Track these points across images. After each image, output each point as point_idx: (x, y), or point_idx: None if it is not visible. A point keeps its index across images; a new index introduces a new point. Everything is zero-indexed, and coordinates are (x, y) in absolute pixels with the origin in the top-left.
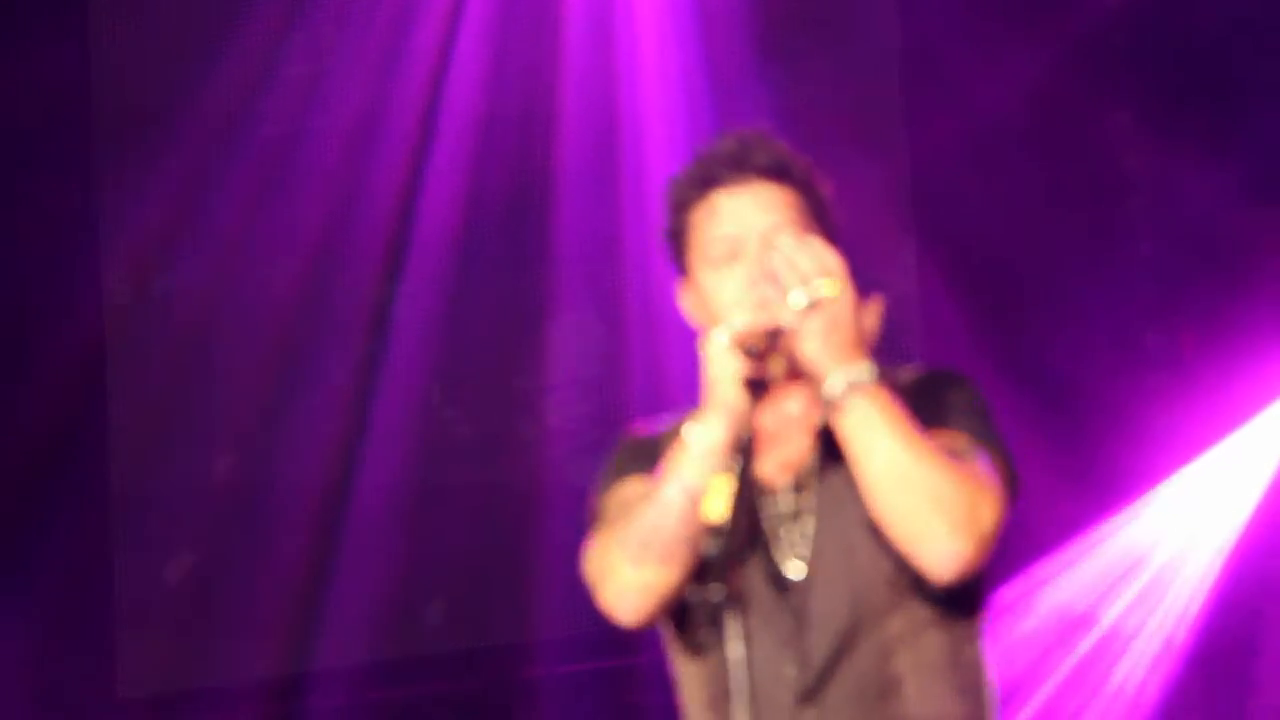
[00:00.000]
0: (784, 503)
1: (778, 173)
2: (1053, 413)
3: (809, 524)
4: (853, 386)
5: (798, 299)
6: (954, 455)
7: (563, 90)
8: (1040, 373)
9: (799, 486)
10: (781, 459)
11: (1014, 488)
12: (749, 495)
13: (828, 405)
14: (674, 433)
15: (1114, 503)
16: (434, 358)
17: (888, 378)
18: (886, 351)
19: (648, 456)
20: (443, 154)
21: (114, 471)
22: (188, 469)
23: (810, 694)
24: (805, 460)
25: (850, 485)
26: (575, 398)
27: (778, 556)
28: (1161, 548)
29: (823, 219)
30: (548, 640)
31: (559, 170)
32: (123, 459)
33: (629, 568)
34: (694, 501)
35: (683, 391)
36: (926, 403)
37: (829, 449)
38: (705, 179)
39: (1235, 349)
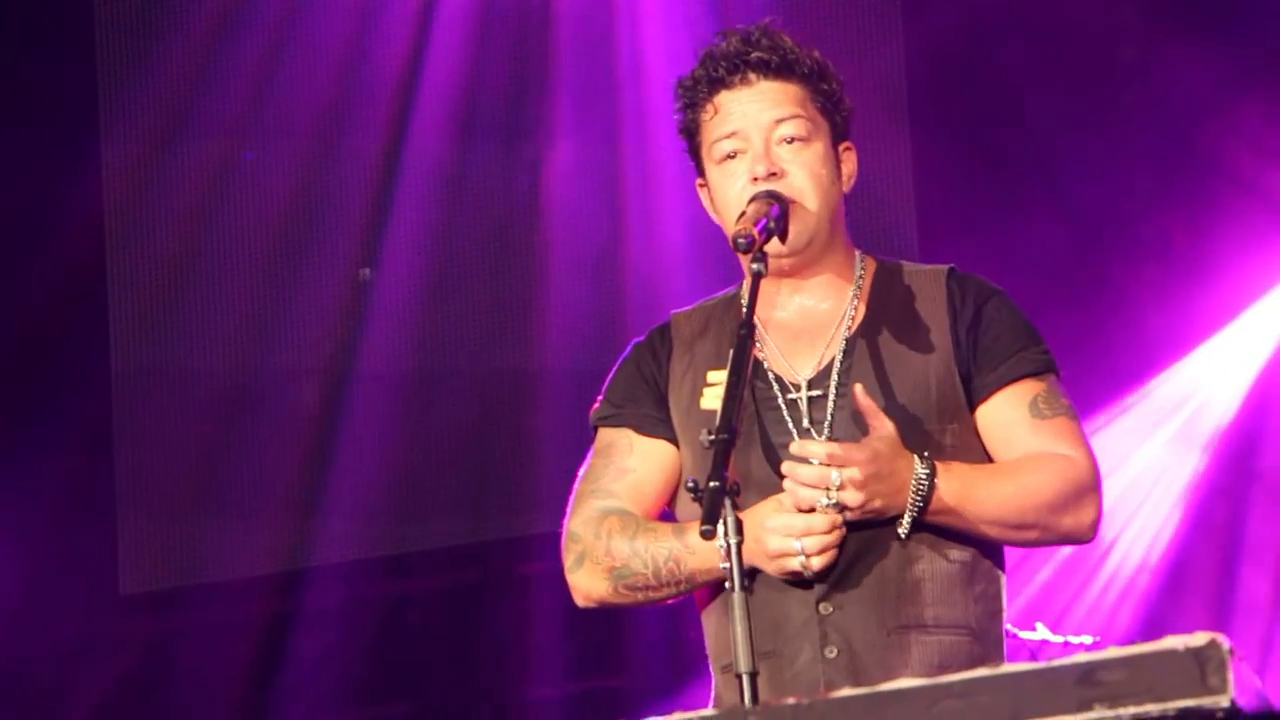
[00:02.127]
0: (805, 396)
1: (781, 68)
2: (1049, 302)
3: (827, 417)
4: (921, 514)
5: (826, 503)
6: (1037, 415)
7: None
8: (1035, 262)
9: (821, 381)
10: (806, 353)
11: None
12: (749, 389)
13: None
14: (694, 319)
15: (1111, 393)
16: (432, 248)
17: (911, 276)
18: (883, 244)
19: (653, 358)
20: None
21: (114, 368)
22: (187, 363)
23: (828, 590)
24: (830, 358)
25: (872, 383)
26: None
27: (793, 445)
28: (1157, 435)
29: (831, 111)
30: (546, 534)
31: (557, 70)
32: (122, 356)
33: (607, 591)
34: (689, 584)
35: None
36: (985, 334)
37: (853, 349)
38: (711, 78)
39: (1226, 240)
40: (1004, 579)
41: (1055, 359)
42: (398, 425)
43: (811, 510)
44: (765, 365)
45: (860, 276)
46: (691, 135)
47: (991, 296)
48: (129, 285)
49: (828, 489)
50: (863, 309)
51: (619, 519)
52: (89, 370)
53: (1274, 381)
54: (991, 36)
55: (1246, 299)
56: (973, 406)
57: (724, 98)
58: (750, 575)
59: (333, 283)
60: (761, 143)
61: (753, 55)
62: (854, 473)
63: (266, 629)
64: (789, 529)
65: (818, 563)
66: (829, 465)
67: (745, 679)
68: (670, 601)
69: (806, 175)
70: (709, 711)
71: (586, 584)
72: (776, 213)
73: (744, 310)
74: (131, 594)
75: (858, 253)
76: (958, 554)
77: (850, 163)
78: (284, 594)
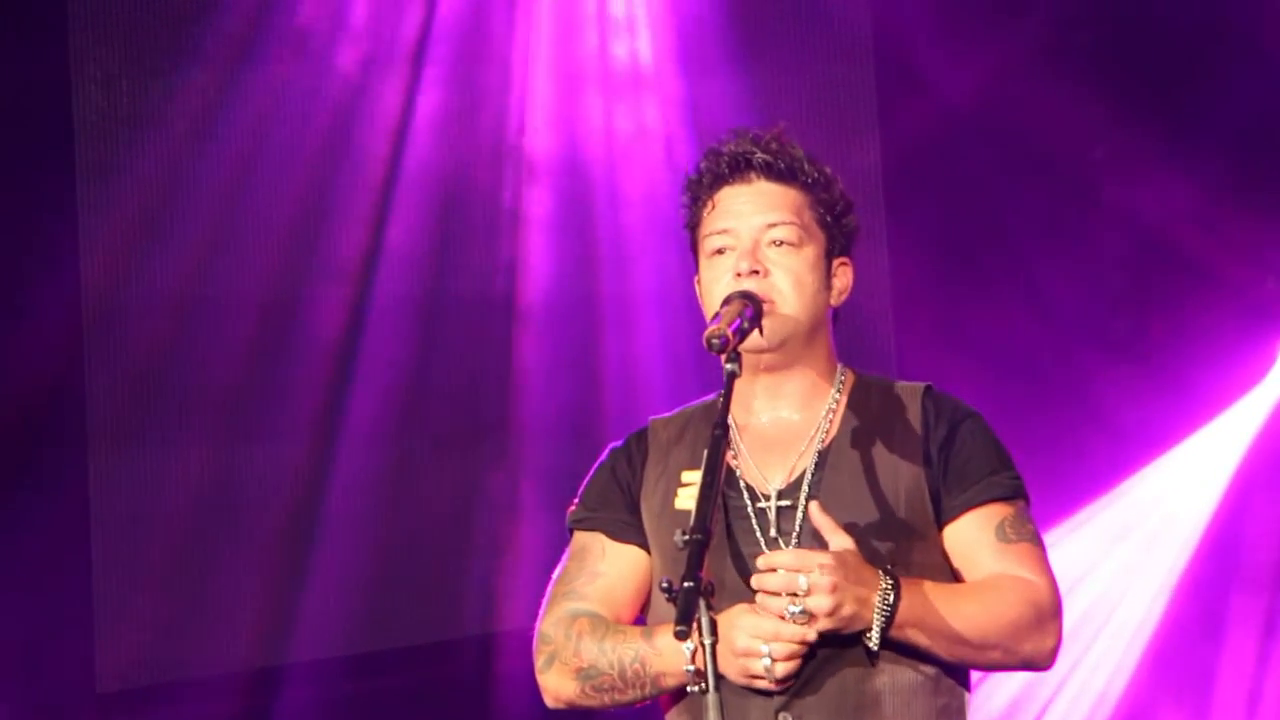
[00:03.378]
0: (774, 506)
1: (784, 174)
2: (1021, 401)
3: (795, 528)
4: (887, 628)
5: (793, 611)
6: (1003, 539)
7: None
8: (1010, 363)
9: (791, 492)
10: (778, 463)
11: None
12: (722, 491)
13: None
14: (671, 425)
15: (1080, 493)
16: (410, 344)
17: (888, 393)
18: (861, 348)
19: (628, 463)
20: None
21: (91, 464)
22: (163, 461)
23: (789, 700)
24: (801, 468)
25: (842, 497)
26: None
27: (761, 555)
28: (1131, 538)
29: (830, 224)
30: (521, 630)
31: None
32: (99, 454)
33: (574, 692)
34: (654, 687)
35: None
36: (957, 455)
37: (825, 462)
38: (714, 174)
39: (1201, 343)
40: (968, 697)
41: (1025, 485)
42: (373, 522)
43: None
44: (738, 474)
45: (839, 390)
46: (693, 229)
47: (966, 418)
48: (106, 382)
49: (795, 595)
50: (838, 422)
51: (589, 621)
52: (65, 466)
53: (1248, 482)
54: (965, 139)
55: (1222, 401)
56: (940, 525)
57: (723, 194)
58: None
59: (308, 378)
60: (750, 241)
61: (757, 156)
62: (818, 577)
63: None
64: (758, 631)
65: (781, 669)
66: (796, 571)
67: None
68: (637, 705)
69: (789, 278)
70: None
71: (555, 684)
72: (751, 314)
73: (719, 410)
74: (107, 692)
75: (840, 365)
76: (922, 668)
77: (844, 278)
78: (260, 691)
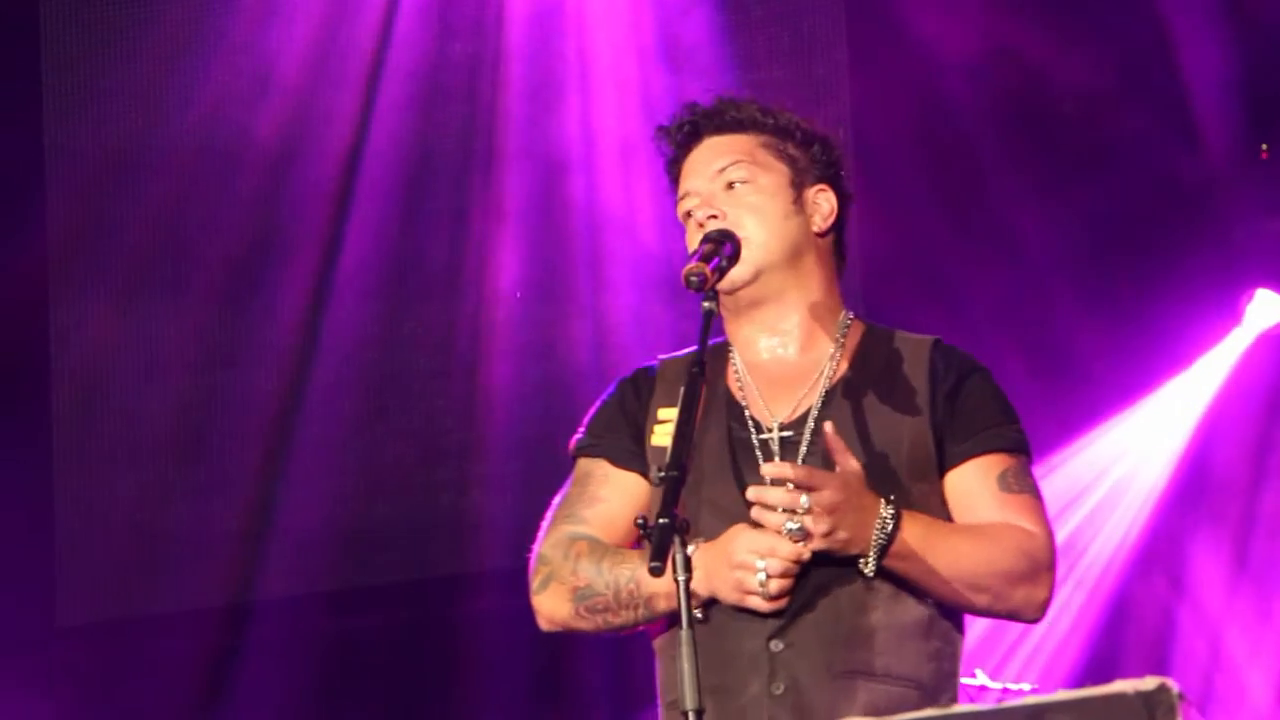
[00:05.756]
0: (777, 437)
1: (727, 123)
2: (990, 358)
3: (798, 459)
4: (882, 556)
5: (790, 528)
6: (1004, 488)
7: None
8: (982, 323)
9: (796, 427)
10: (785, 399)
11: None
12: (725, 429)
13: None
14: (678, 364)
15: (1050, 446)
16: (382, 292)
17: (897, 342)
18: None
19: (636, 395)
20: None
21: (55, 402)
22: (131, 398)
23: (781, 627)
24: (807, 406)
25: (847, 436)
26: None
27: (765, 467)
28: (1098, 487)
29: (793, 155)
30: (492, 570)
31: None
32: (65, 388)
33: (568, 613)
34: (647, 610)
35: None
36: (964, 404)
37: (831, 401)
38: (676, 149)
39: (1171, 298)
40: (961, 641)
41: (1029, 443)
42: (343, 461)
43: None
44: (744, 406)
45: (844, 334)
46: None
47: (975, 371)
48: (74, 321)
49: (794, 512)
50: (844, 365)
51: (588, 543)
52: (32, 396)
53: (1218, 422)
54: (941, 92)
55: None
56: (943, 472)
57: (686, 163)
58: (706, 606)
59: (280, 323)
60: (706, 192)
61: (698, 117)
62: (822, 497)
63: (208, 663)
64: (754, 545)
65: (775, 585)
66: (801, 486)
67: (691, 716)
68: (627, 631)
69: (743, 210)
70: None
71: (550, 605)
72: (729, 251)
73: (729, 363)
74: (69, 625)
75: (846, 311)
76: (916, 608)
77: (825, 203)
78: (227, 628)
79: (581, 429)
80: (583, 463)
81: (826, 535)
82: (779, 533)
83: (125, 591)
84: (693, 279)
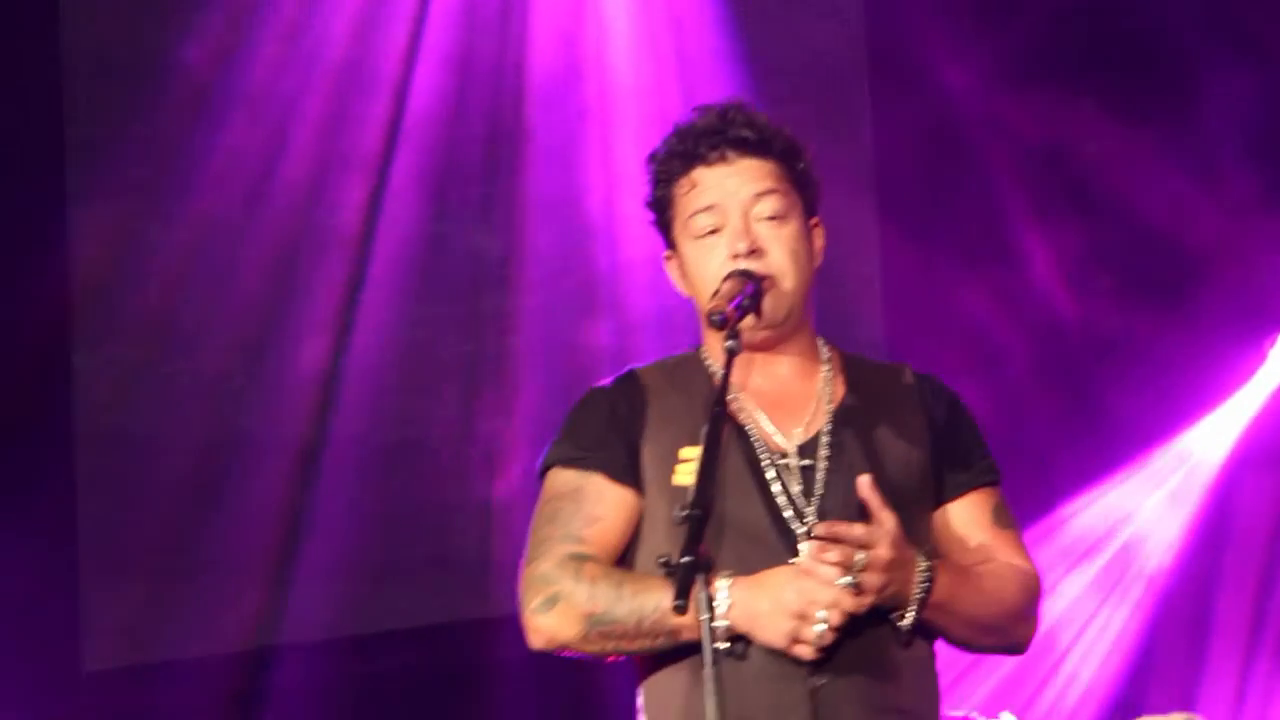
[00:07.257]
0: (795, 464)
1: (758, 146)
2: (1011, 396)
3: (818, 486)
4: (921, 609)
5: (844, 583)
6: (998, 524)
7: (530, 74)
8: (1003, 360)
9: (810, 452)
10: (791, 424)
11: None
12: (739, 453)
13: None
14: (662, 378)
15: (1072, 489)
16: (405, 325)
17: (882, 374)
18: (851, 335)
19: (627, 404)
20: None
21: (78, 435)
22: (154, 435)
23: (817, 665)
24: (816, 429)
25: (860, 451)
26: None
27: (784, 512)
28: (1122, 530)
29: (803, 187)
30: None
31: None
32: (88, 425)
33: (575, 636)
34: (669, 640)
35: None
36: (957, 434)
37: (839, 424)
38: (686, 153)
39: (1194, 340)
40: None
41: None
42: (368, 502)
43: None
44: (750, 431)
45: (828, 359)
46: (663, 209)
47: (956, 398)
48: (97, 353)
49: (849, 569)
50: (841, 388)
51: (598, 567)
52: (54, 438)
53: (1244, 464)
54: (960, 121)
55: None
56: (939, 500)
57: (701, 173)
58: (735, 641)
59: (304, 357)
60: (740, 219)
61: (730, 132)
62: (879, 554)
63: (233, 708)
64: (816, 597)
65: (829, 638)
66: (861, 545)
67: None
68: (635, 656)
69: (785, 254)
70: None
71: (555, 625)
72: (751, 290)
73: (717, 384)
74: (95, 671)
75: (819, 336)
76: (922, 645)
77: (820, 238)
78: (251, 672)
79: (562, 440)
80: (570, 475)
81: (878, 591)
82: (829, 584)
83: (148, 637)
84: (715, 318)
